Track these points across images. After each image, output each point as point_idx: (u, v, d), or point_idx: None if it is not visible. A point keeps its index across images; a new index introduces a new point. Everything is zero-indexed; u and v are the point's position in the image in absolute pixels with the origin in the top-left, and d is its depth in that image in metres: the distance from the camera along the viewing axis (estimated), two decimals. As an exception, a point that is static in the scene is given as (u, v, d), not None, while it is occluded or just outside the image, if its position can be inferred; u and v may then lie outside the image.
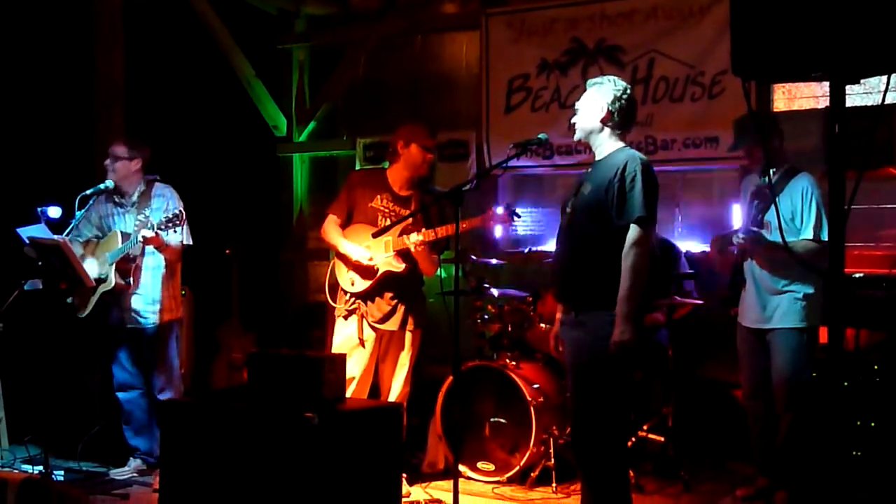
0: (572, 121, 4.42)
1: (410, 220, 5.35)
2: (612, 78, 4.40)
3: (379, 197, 5.54)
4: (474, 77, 7.80)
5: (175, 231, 5.60)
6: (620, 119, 4.33)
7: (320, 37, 8.65)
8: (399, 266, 5.39)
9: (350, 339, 5.50)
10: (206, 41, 8.06)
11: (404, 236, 5.34)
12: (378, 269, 5.41)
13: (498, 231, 7.54)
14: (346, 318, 5.54)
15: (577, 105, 4.42)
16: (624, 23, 7.02)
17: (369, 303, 5.49)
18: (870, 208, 6.21)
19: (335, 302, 5.59)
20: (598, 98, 4.32)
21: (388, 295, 5.48)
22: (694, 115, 6.73)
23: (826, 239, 5.05)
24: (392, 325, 5.51)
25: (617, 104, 4.30)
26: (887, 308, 5.31)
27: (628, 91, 4.35)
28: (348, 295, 5.52)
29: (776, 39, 2.63)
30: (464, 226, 5.08)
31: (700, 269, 6.30)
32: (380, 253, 5.40)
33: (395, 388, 5.56)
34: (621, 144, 4.34)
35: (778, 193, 5.24)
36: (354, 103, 8.51)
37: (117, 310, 5.83)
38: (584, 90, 4.42)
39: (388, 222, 5.39)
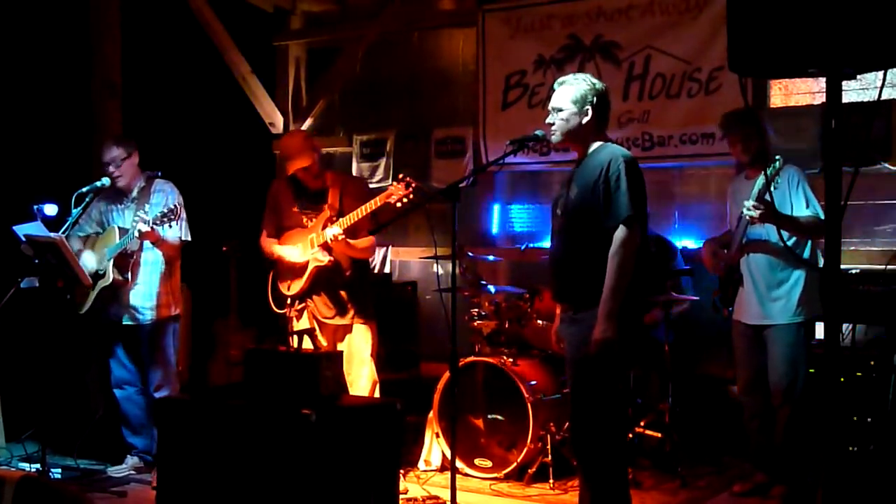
0: (548, 122, 4.32)
1: (330, 213, 5.51)
2: (585, 76, 4.31)
3: (297, 202, 5.70)
4: (471, 74, 7.80)
5: (171, 226, 5.61)
6: (602, 115, 4.30)
7: (316, 34, 8.65)
8: (324, 258, 5.49)
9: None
10: (202, 38, 8.05)
11: (326, 230, 5.46)
12: (308, 266, 5.53)
13: (496, 226, 7.57)
14: (298, 318, 5.61)
15: (554, 105, 4.30)
16: (620, 19, 7.02)
17: (316, 298, 5.59)
18: (866, 204, 6.21)
19: (280, 310, 5.67)
20: (580, 99, 4.24)
21: (330, 291, 5.58)
22: (691, 112, 6.73)
23: (822, 217, 5.09)
24: (343, 319, 5.59)
25: (599, 104, 4.26)
26: (884, 303, 5.32)
27: (605, 88, 4.31)
28: (290, 299, 5.63)
29: (773, 35, 2.62)
30: (372, 207, 5.32)
31: (696, 266, 6.31)
32: (308, 250, 5.53)
33: (364, 385, 5.58)
34: (602, 141, 4.31)
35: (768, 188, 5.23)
36: (351, 100, 8.51)
37: (115, 305, 5.84)
38: (553, 90, 4.33)
39: (313, 221, 5.58)
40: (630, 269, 4.10)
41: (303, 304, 5.61)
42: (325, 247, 5.47)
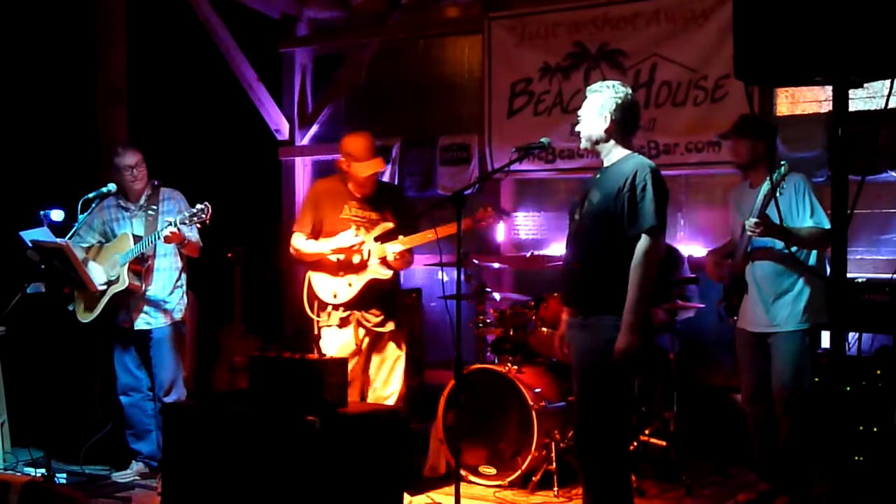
0: (577, 129, 4.42)
1: (391, 225, 5.41)
2: (612, 84, 4.35)
3: (346, 206, 5.50)
4: (476, 81, 7.81)
5: (198, 226, 5.66)
6: (624, 126, 4.32)
7: (322, 40, 8.67)
8: (386, 273, 5.40)
9: (347, 346, 5.44)
10: (208, 45, 8.07)
11: (386, 245, 5.37)
12: (364, 276, 5.41)
13: (500, 234, 7.57)
14: (340, 326, 5.46)
15: (580, 113, 4.40)
16: (626, 27, 7.02)
17: (362, 310, 5.48)
18: (873, 212, 6.21)
19: (317, 315, 5.49)
20: (600, 107, 4.29)
21: (377, 300, 5.47)
22: (696, 120, 6.73)
23: (827, 226, 5.07)
24: (388, 326, 5.51)
25: (620, 112, 4.28)
26: (890, 312, 5.31)
27: (630, 96, 4.33)
28: (330, 307, 5.46)
29: (779, 43, 2.62)
30: (450, 231, 5.12)
31: (702, 274, 6.30)
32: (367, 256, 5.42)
33: (392, 390, 5.54)
34: (628, 151, 4.33)
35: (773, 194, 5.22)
36: (357, 107, 8.52)
37: (125, 311, 5.85)
38: (585, 97, 4.40)
39: (363, 230, 5.42)
40: (653, 280, 4.12)
41: (348, 312, 5.46)
42: (385, 261, 5.37)
